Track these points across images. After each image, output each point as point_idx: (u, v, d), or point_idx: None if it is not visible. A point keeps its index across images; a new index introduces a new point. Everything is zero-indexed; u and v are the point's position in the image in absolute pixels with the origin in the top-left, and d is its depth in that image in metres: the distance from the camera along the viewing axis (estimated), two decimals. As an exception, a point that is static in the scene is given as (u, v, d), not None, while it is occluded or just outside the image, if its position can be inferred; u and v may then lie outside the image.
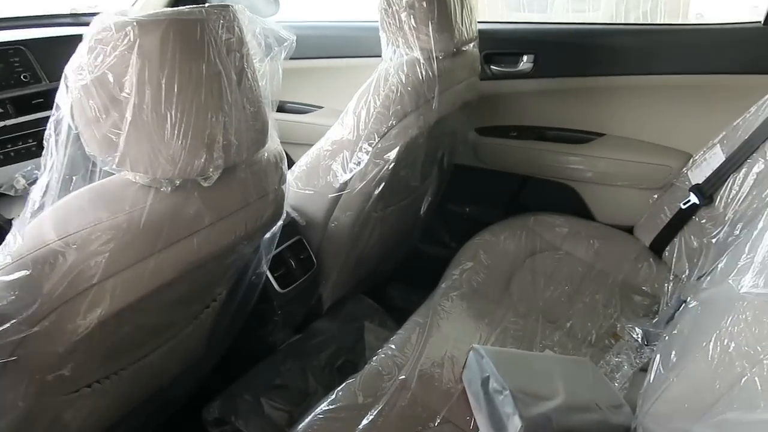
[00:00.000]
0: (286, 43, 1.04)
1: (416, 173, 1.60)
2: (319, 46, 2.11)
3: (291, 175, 1.52)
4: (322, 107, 2.25)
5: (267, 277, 1.41)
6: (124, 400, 1.19)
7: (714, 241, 1.48)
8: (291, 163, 1.58)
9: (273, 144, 1.07)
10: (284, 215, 1.40)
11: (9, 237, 0.83)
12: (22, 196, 0.96)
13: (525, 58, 1.84)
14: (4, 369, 0.87)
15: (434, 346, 1.30)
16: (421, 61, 1.40)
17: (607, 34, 1.78)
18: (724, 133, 1.59)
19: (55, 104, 0.83)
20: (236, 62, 0.87)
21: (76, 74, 0.78)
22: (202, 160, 0.85)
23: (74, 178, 0.87)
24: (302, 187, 1.50)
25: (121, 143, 0.80)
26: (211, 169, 0.87)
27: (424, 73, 1.40)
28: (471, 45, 1.61)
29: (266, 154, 1.03)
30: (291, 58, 2.17)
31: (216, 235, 0.94)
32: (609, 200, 1.86)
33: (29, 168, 1.62)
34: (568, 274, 1.63)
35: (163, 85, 0.78)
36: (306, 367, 1.47)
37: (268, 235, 1.28)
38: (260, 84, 0.95)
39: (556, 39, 1.83)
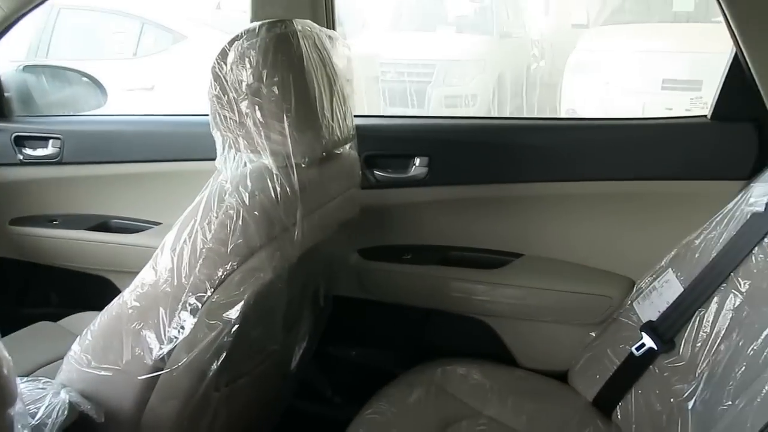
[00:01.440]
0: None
1: (276, 330, 1.11)
2: (146, 146, 1.63)
3: (80, 346, 0.99)
4: (161, 223, 1.73)
5: None
6: None
7: (690, 406, 1.09)
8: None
9: None
10: (63, 407, 0.87)
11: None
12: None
13: (417, 161, 1.44)
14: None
15: None
16: (274, 171, 0.94)
17: (523, 131, 1.43)
18: (674, 252, 1.24)
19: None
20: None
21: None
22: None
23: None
24: (96, 364, 0.96)
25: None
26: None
27: (279, 188, 0.94)
28: (347, 146, 1.18)
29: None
30: (110, 162, 1.69)
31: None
32: (533, 340, 1.46)
33: None
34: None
35: None
36: None
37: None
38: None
39: (437, 137, 1.46)
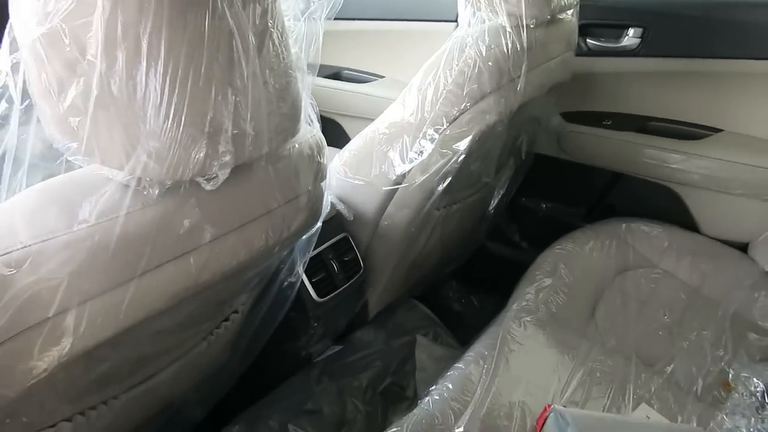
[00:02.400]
0: (330, -2, 0.79)
1: (490, 167, 1.33)
2: (381, 6, 1.84)
3: (340, 160, 1.27)
4: (384, 77, 1.98)
5: (303, 282, 1.18)
6: (125, 420, 0.99)
7: None
8: (346, 140, 1.33)
9: (308, 131, 0.82)
10: (327, 209, 1.16)
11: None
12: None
13: (631, 31, 1.52)
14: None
15: (501, 388, 1.04)
16: (508, 29, 1.11)
17: (740, 7, 1.44)
18: None
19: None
20: (257, 18, 0.61)
21: (24, 25, 0.55)
22: (202, 155, 0.61)
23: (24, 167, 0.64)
24: (351, 175, 1.25)
25: (87, 127, 0.57)
26: (215, 167, 0.62)
27: (510, 44, 1.12)
28: (569, 12, 1.31)
29: (297, 145, 0.77)
30: (346, 19, 1.86)
31: (222, 254, 0.70)
32: (720, 210, 1.54)
33: None
34: (668, 300, 1.33)
35: (144, 46, 0.54)
36: (344, 388, 1.24)
37: (303, 238, 1.04)
38: (293, 51, 0.70)
39: (671, 10, 1.50)
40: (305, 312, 1.20)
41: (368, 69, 2.00)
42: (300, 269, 1.08)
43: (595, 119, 1.63)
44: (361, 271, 1.28)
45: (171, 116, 0.57)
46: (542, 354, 1.14)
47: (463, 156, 1.15)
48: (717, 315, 1.30)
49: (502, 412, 1.00)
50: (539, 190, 1.80)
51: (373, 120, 1.23)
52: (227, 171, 0.64)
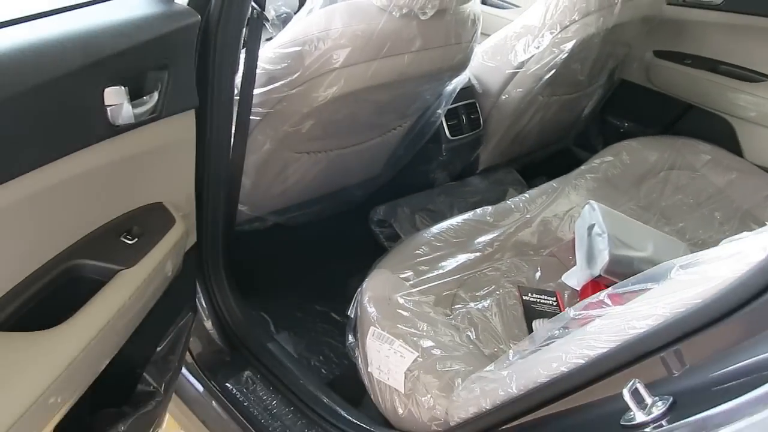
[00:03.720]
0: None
1: (585, 69, 1.84)
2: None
3: (480, 48, 1.82)
4: (519, 6, 2.49)
5: (441, 122, 1.76)
6: (322, 180, 1.63)
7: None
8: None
9: (475, 6, 1.38)
10: (466, 79, 1.73)
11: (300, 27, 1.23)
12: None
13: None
14: (266, 117, 1.31)
15: (559, 205, 1.60)
16: (612, -34, 1.62)
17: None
18: None
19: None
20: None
21: None
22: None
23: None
24: (486, 60, 1.81)
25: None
26: (429, 6, 1.21)
27: (613, -21, 1.62)
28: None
29: (468, 10, 1.35)
30: None
31: (420, 60, 1.29)
32: (764, 142, 1.98)
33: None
34: (697, 190, 1.82)
35: None
36: (454, 203, 1.83)
37: (449, 87, 1.62)
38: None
39: None
40: (439, 143, 1.79)
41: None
42: (442, 111, 1.67)
43: (679, 58, 2.09)
44: (481, 128, 1.85)
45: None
46: (591, 196, 1.67)
47: (566, 54, 1.68)
48: (732, 206, 1.78)
49: (557, 215, 1.56)
50: (623, 111, 2.29)
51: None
52: (434, 10, 1.22)
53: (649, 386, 0.68)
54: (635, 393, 0.67)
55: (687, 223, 1.69)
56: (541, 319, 1.26)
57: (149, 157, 0.88)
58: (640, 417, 0.66)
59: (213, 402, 1.36)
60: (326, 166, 1.55)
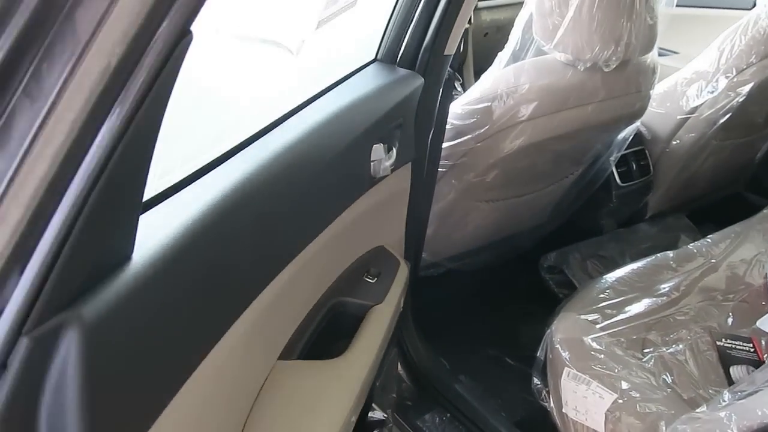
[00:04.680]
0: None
1: (763, 111, 1.79)
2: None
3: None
4: (678, 53, 2.47)
5: (612, 170, 1.78)
6: (496, 227, 1.69)
7: None
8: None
9: (654, 55, 1.42)
10: (635, 127, 1.75)
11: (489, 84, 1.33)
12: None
13: None
14: (451, 168, 1.40)
15: (745, 249, 1.55)
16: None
17: None
18: None
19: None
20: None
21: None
22: (609, 52, 1.25)
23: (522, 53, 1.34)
24: (656, 107, 1.81)
25: (560, 32, 1.24)
26: (613, 59, 1.26)
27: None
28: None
29: (648, 60, 1.38)
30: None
31: (603, 109, 1.34)
32: None
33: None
34: None
35: None
36: (625, 250, 1.82)
37: (621, 135, 1.65)
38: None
39: None
40: (609, 191, 1.81)
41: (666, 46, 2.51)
42: (612, 159, 1.69)
43: None
44: (650, 174, 1.85)
45: (601, 29, 1.21)
46: None
47: (743, 97, 1.65)
48: None
49: (744, 261, 1.51)
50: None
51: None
52: (617, 63, 1.27)
53: None
54: None
55: None
56: (741, 365, 1.23)
57: (382, 206, 1.00)
58: None
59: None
60: (502, 214, 1.61)
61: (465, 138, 1.34)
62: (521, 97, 1.28)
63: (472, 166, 1.39)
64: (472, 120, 1.32)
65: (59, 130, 0.42)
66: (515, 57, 1.35)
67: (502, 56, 1.36)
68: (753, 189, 2.27)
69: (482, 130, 1.32)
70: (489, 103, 1.30)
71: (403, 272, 1.02)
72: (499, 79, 1.32)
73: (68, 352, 0.47)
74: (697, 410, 0.99)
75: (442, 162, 1.37)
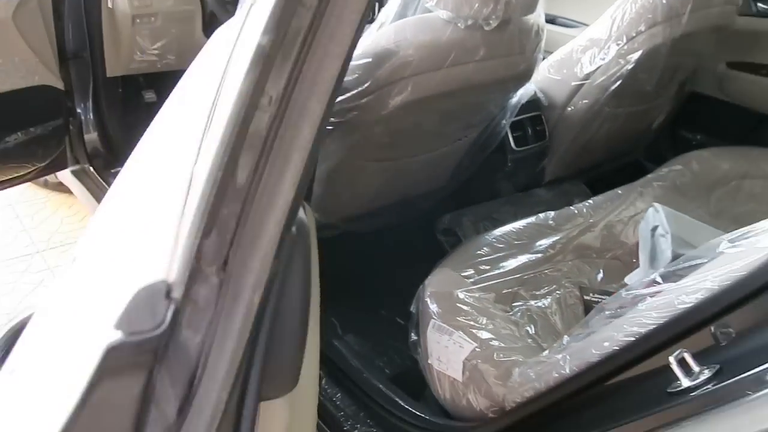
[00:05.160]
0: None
1: (653, 80, 1.84)
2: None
3: (546, 63, 1.86)
4: (587, 25, 2.51)
5: (507, 134, 1.81)
6: (390, 188, 1.70)
7: None
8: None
9: (538, 18, 1.44)
10: (532, 92, 1.78)
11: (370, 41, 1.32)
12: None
13: (794, 0, 1.93)
14: (338, 126, 1.39)
15: (624, 210, 1.60)
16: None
17: None
18: None
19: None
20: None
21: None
22: (489, 10, 1.25)
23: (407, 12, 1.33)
24: (552, 74, 1.84)
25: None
26: (493, 17, 1.27)
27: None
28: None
29: (531, 21, 1.40)
30: None
31: (485, 69, 1.35)
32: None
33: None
34: (765, 195, 1.77)
35: None
36: (518, 212, 1.86)
37: (514, 99, 1.67)
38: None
39: None
40: (504, 154, 1.83)
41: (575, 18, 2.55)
42: (506, 122, 1.71)
43: (755, 69, 2.05)
44: (546, 139, 1.88)
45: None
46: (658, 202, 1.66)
47: (633, 65, 1.69)
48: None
49: (621, 221, 1.56)
50: (695, 124, 2.26)
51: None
52: (498, 21, 1.28)
53: (696, 356, 0.70)
54: (682, 362, 0.69)
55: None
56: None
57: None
58: (686, 384, 0.68)
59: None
60: (394, 175, 1.62)
61: (348, 95, 1.33)
62: (402, 53, 1.28)
63: (357, 124, 1.38)
64: (354, 76, 1.31)
65: None
66: (401, 16, 1.35)
67: (387, 13, 1.36)
68: (650, 157, 2.35)
69: (364, 87, 1.31)
70: (370, 59, 1.29)
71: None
72: (381, 35, 1.31)
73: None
74: (542, 354, 1.02)
75: (330, 120, 1.36)
